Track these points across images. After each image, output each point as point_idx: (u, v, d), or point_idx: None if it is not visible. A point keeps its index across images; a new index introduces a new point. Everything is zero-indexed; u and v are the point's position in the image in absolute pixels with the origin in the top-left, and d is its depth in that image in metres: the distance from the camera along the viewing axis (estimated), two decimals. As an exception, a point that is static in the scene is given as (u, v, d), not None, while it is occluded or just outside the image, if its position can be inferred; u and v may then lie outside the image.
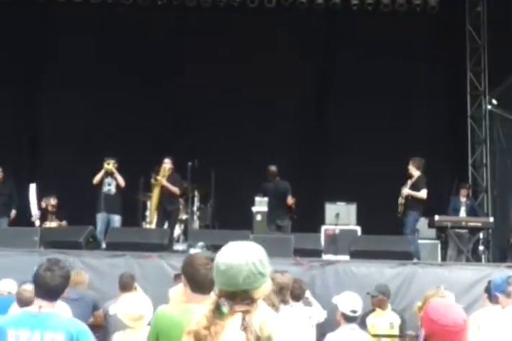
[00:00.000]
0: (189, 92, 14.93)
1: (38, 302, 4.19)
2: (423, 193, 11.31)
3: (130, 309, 6.10)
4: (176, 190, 12.18)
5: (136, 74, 14.88)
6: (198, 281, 3.97)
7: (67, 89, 14.92)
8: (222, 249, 2.69)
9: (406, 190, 11.39)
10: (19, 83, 15.26)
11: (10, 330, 4.05)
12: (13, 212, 12.83)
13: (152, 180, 12.27)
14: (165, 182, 12.10)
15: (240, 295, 2.63)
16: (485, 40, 15.48)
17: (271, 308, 4.66)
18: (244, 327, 2.59)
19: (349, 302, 5.99)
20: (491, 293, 6.18)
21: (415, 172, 11.57)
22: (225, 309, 2.61)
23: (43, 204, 12.86)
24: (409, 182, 11.50)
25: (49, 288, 4.19)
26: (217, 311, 2.65)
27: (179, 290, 4.90)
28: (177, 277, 6.72)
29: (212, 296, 2.79)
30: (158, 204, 12.32)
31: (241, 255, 2.62)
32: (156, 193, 12.26)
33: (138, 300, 6.45)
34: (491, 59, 15.31)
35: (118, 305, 7.31)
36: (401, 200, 11.46)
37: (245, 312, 2.62)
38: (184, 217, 12.82)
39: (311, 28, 15.26)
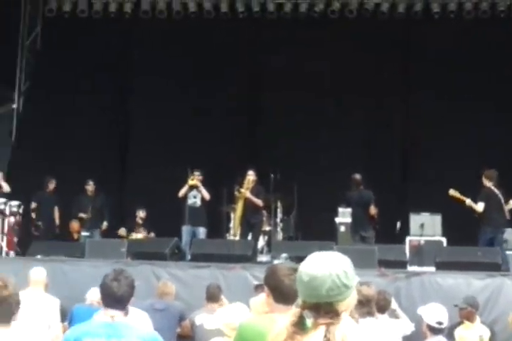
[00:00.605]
0: (271, 107, 15.10)
1: (108, 311, 4.27)
2: (479, 206, 11.12)
3: (231, 319, 6.09)
4: (259, 202, 12.18)
5: (221, 90, 15.08)
6: (281, 292, 3.96)
7: (154, 106, 15.18)
8: (306, 259, 2.62)
9: (467, 201, 11.26)
10: (109, 100, 15.62)
11: (86, 340, 4.10)
12: (105, 224, 13.24)
13: (236, 193, 12.33)
14: (248, 195, 12.14)
15: (323, 308, 2.56)
16: None
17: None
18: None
19: (435, 313, 5.87)
20: None
21: (487, 184, 11.39)
22: (309, 322, 2.56)
23: (135, 217, 13.21)
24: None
25: (117, 298, 4.25)
26: (299, 323, 2.59)
27: (260, 301, 4.92)
28: (258, 287, 6.72)
29: (294, 308, 2.72)
30: (242, 217, 12.35)
31: (325, 266, 2.55)
32: (240, 205, 12.31)
33: (237, 309, 6.49)
34: None
35: (215, 315, 7.38)
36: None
37: (329, 325, 2.54)
38: (267, 228, 12.81)
39: (392, 37, 15.14)
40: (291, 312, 2.69)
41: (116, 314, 4.22)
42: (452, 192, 11.48)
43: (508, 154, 13.81)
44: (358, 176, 12.49)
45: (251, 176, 12.24)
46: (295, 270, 4.05)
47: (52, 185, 13.24)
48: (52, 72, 15.62)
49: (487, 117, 14.34)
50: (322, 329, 2.54)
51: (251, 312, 4.98)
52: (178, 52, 15.25)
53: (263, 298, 4.75)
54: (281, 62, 14.96)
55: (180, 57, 15.18)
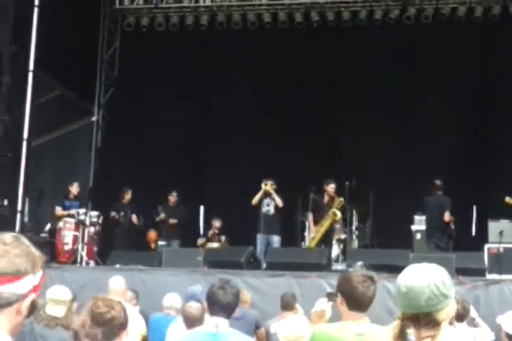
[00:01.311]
0: (341, 117, 15.22)
1: (214, 320, 4.32)
2: None
3: (291, 330, 6.13)
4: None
5: (291, 101, 15.19)
6: (355, 299, 3.97)
7: (231, 120, 15.24)
8: (404, 271, 2.66)
9: None
10: (188, 110, 15.79)
11: None
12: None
13: (329, 212, 12.26)
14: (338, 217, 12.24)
15: (423, 318, 2.57)
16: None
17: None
18: None
19: None
20: None
21: None
22: (410, 333, 2.58)
23: (211, 227, 13.37)
24: None
25: (223, 305, 4.31)
26: (401, 336, 2.60)
27: (320, 310, 4.91)
28: (329, 295, 6.66)
29: (396, 321, 2.70)
30: (325, 234, 12.30)
31: (423, 277, 2.58)
32: (327, 224, 12.22)
33: (298, 321, 6.49)
34: None
35: (279, 325, 7.42)
36: None
37: (433, 338, 2.57)
38: (343, 236, 12.74)
39: (470, 40, 14.98)
40: (392, 325, 2.70)
41: (221, 322, 4.29)
42: (508, 199, 11.29)
43: None
44: (438, 182, 12.54)
45: (332, 189, 12.28)
46: (369, 277, 4.08)
47: (128, 196, 13.45)
48: (130, 84, 15.98)
49: None
50: None
51: (311, 321, 4.97)
52: (253, 63, 15.40)
53: (324, 306, 4.76)
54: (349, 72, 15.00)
55: (255, 70, 15.31)
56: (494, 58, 15.08)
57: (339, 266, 11.44)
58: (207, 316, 4.63)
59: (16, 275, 1.90)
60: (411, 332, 2.58)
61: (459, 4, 14.94)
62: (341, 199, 12.36)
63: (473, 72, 15.06)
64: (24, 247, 1.97)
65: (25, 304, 1.94)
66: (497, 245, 11.74)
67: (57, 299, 5.61)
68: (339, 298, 4.09)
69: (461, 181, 14.05)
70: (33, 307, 2.01)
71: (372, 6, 15.32)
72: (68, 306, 5.69)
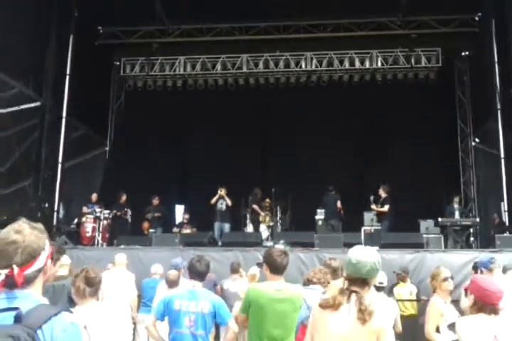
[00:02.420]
0: (271, 148, 15.00)
1: (192, 282, 4.29)
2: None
3: (243, 287, 6.04)
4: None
5: (240, 138, 14.88)
6: (275, 266, 3.99)
7: (203, 148, 14.95)
8: (354, 249, 2.69)
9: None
10: (169, 146, 15.23)
11: (176, 300, 4.15)
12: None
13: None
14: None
15: (361, 281, 2.61)
16: (469, 99, 15.19)
17: (326, 284, 4.62)
18: (359, 302, 2.56)
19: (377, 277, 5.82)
20: (478, 268, 5.96)
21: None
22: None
23: (182, 218, 13.19)
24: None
25: (199, 273, 4.27)
26: (343, 290, 2.62)
27: (252, 273, 4.82)
28: (259, 264, 6.68)
29: (341, 279, 2.77)
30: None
31: (367, 255, 2.62)
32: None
33: (246, 281, 6.48)
34: (474, 111, 15.00)
35: (230, 283, 7.37)
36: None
37: (359, 292, 2.60)
38: (271, 223, 12.81)
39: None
40: (339, 280, 2.74)
41: (197, 284, 4.26)
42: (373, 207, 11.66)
43: None
44: (330, 187, 12.57)
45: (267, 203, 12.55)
46: (284, 252, 4.10)
47: (123, 197, 12.95)
48: (132, 127, 15.70)
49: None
50: (355, 295, 2.59)
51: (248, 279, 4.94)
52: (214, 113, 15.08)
53: (255, 271, 4.70)
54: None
55: (215, 118, 15.03)
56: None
57: (268, 243, 11.42)
58: (186, 279, 4.56)
59: (35, 257, 1.78)
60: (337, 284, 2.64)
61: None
62: (268, 200, 12.45)
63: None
64: (35, 232, 1.79)
65: (46, 268, 1.82)
66: (369, 227, 11.91)
67: (63, 264, 5.47)
68: (264, 266, 4.09)
69: (346, 185, 14.02)
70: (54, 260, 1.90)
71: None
72: (69, 267, 5.56)
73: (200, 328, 4.05)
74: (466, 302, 3.65)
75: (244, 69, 15.27)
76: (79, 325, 1.79)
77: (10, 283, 1.70)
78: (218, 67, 15.35)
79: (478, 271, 5.86)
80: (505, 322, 2.93)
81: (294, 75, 15.24)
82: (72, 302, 3.79)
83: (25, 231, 1.77)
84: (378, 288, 5.67)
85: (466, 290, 3.32)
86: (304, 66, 15.09)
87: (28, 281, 1.76)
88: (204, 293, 4.23)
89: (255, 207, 12.44)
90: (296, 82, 15.26)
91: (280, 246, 10.15)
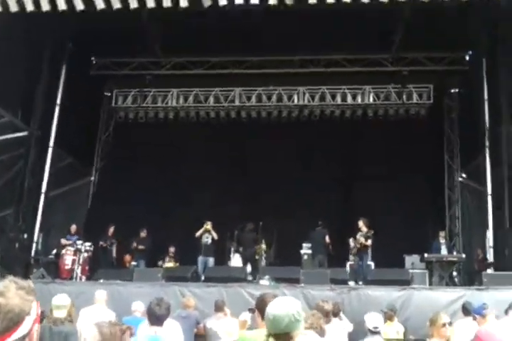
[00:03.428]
0: (254, 186, 14.62)
1: (152, 328, 4.13)
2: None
3: (228, 328, 5.85)
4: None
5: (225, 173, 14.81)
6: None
7: (183, 182, 14.81)
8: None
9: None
10: (153, 179, 15.04)
11: None
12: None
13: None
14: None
15: (282, 336, 2.45)
16: (457, 135, 15.40)
17: (319, 330, 4.46)
18: None
19: (373, 320, 5.66)
20: (471, 314, 5.84)
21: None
22: None
23: (167, 251, 12.92)
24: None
25: (158, 316, 4.13)
26: None
27: (243, 320, 4.68)
28: (250, 310, 6.49)
29: (264, 337, 2.57)
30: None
31: (283, 308, 2.46)
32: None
33: (230, 320, 6.28)
34: (462, 148, 15.20)
35: (214, 322, 7.18)
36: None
37: None
38: (256, 257, 12.59)
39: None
40: (261, 338, 2.58)
41: (158, 329, 4.10)
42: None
43: None
44: (320, 222, 12.51)
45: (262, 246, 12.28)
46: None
47: (111, 229, 12.83)
48: (119, 158, 15.57)
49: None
50: None
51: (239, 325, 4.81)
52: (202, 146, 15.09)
53: (246, 317, 4.57)
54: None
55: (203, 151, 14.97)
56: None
57: (252, 278, 11.19)
58: (148, 325, 4.37)
59: (18, 323, 1.59)
60: None
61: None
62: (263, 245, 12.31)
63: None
64: (21, 293, 1.60)
65: (32, 333, 1.63)
66: (353, 262, 11.74)
67: (60, 304, 5.26)
68: (256, 312, 3.95)
69: (332, 219, 13.91)
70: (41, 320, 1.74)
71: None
72: (69, 309, 5.32)
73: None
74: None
75: (237, 103, 15.38)
76: None
77: None
78: (211, 99, 15.46)
79: (471, 317, 5.75)
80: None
81: (286, 109, 15.37)
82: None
83: (9, 294, 1.60)
84: (373, 333, 5.51)
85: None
86: (296, 100, 15.25)
87: None
88: (168, 338, 4.10)
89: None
90: (288, 116, 15.36)
91: (265, 281, 9.99)
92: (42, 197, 13.18)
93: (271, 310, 2.51)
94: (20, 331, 1.60)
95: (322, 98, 15.10)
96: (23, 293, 1.62)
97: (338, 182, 14.72)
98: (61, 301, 5.30)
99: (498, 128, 12.22)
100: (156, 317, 4.12)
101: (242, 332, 4.33)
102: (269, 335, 2.52)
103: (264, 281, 9.89)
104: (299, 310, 2.50)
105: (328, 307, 4.92)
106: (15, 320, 1.57)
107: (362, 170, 14.68)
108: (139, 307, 7.52)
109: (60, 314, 5.19)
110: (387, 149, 14.61)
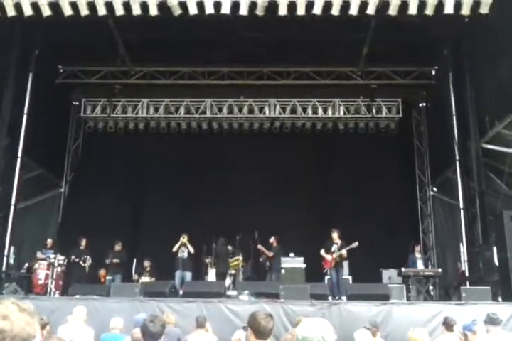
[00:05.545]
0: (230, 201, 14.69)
1: None
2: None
3: None
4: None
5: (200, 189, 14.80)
6: (259, 331, 3.77)
7: (159, 199, 14.72)
8: (303, 323, 2.55)
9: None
10: (125, 189, 15.13)
11: None
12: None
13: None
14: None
15: None
16: (426, 149, 15.58)
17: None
18: None
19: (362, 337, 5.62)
20: (462, 331, 5.82)
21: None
22: None
23: (142, 266, 12.66)
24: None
25: (152, 334, 4.00)
26: None
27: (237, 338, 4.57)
28: (244, 328, 6.41)
29: None
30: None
31: (314, 330, 2.45)
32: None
33: (211, 337, 6.14)
34: (432, 161, 15.36)
35: (196, 338, 7.02)
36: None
37: None
38: (233, 271, 12.47)
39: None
40: None
41: None
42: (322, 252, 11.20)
43: None
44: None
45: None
46: (269, 315, 3.89)
47: (83, 242, 12.49)
48: (88, 167, 15.35)
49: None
50: None
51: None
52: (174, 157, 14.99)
53: (239, 336, 4.45)
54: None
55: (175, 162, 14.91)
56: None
57: (231, 293, 11.00)
58: None
59: None
60: None
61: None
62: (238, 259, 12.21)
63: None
64: (24, 316, 1.52)
65: None
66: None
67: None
68: (249, 330, 3.87)
69: (309, 232, 13.87)
70: None
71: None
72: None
73: None
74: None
75: (208, 114, 15.31)
76: None
77: None
78: (182, 110, 15.34)
79: (461, 334, 5.75)
80: None
81: (257, 121, 15.36)
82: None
83: (12, 317, 1.51)
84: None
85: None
86: (267, 112, 15.25)
87: None
88: None
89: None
90: (259, 127, 15.35)
91: (245, 296, 9.84)
92: (11, 208, 12.79)
93: (301, 330, 2.49)
94: None
95: (293, 110, 15.19)
96: (26, 316, 1.53)
97: (311, 195, 14.74)
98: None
99: (466, 142, 12.41)
100: (150, 335, 3.97)
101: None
102: None
103: (244, 296, 9.74)
104: (328, 333, 2.45)
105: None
106: None
107: (335, 183, 14.73)
108: (118, 324, 7.28)
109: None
110: (359, 162, 14.71)
